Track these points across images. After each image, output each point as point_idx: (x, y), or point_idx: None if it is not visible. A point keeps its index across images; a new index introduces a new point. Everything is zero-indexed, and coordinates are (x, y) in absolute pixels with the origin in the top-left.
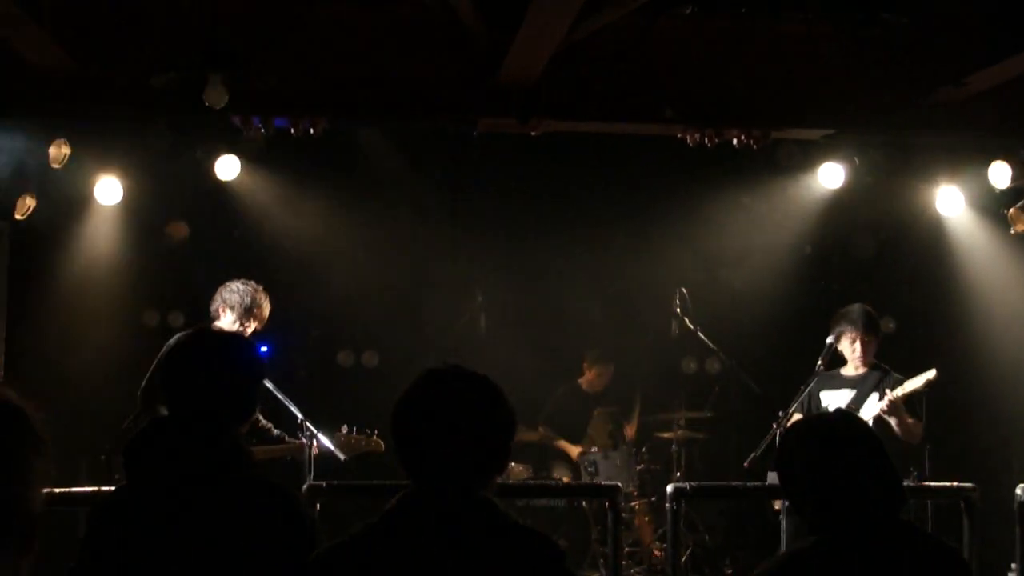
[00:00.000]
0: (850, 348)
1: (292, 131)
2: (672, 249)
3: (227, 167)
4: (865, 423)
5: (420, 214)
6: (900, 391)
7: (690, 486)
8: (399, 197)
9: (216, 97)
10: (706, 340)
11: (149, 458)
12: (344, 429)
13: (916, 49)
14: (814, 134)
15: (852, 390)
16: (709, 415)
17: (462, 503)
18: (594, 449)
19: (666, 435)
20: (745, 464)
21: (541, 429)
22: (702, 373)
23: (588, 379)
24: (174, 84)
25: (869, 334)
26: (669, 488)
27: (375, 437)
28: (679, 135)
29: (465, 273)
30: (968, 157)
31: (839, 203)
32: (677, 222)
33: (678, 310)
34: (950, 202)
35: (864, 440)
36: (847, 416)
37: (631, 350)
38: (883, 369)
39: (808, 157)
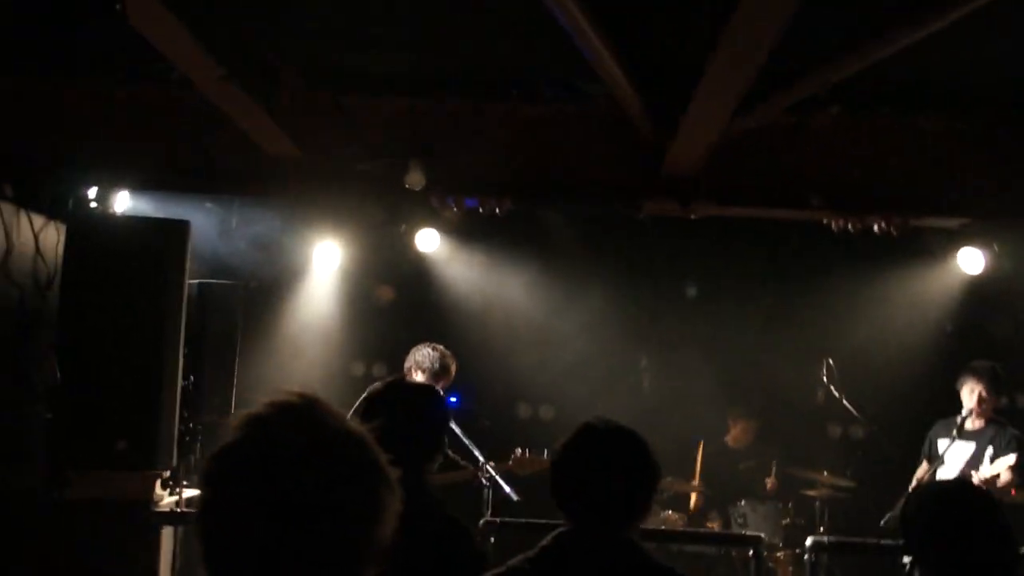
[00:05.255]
0: (970, 398)
1: (480, 210)
2: (821, 324)
3: (428, 240)
4: (982, 490)
5: (593, 286)
6: (989, 472)
7: (828, 540)
8: (574, 271)
9: (416, 180)
10: (851, 408)
11: None
12: (518, 452)
13: None
14: (951, 222)
15: (971, 442)
16: (851, 478)
17: (609, 543)
18: (743, 502)
19: (811, 492)
20: (881, 523)
21: (695, 482)
22: (846, 438)
23: (734, 435)
24: (379, 169)
25: (990, 388)
26: (808, 541)
27: (545, 457)
28: (825, 221)
29: (632, 340)
30: None
31: (979, 286)
32: (827, 299)
33: (824, 378)
34: None
35: (979, 505)
36: (964, 484)
37: (775, 413)
38: (1000, 423)
39: (950, 243)
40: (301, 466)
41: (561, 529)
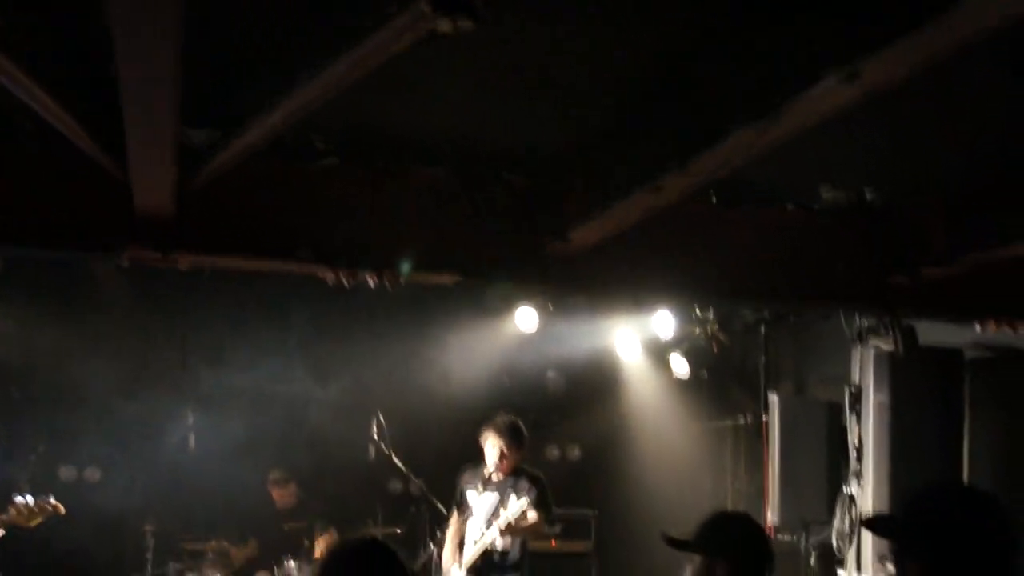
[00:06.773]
0: (492, 452)
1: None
2: (373, 379)
3: None
4: (390, 552)
5: (143, 340)
6: (509, 516)
7: None
8: (124, 323)
9: None
10: (398, 464)
11: None
12: (18, 499)
13: (533, 205)
14: (445, 279)
15: (494, 493)
16: (401, 531)
17: None
18: (290, 561)
19: None
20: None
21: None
22: (399, 493)
23: (278, 496)
24: None
25: (510, 443)
26: None
27: (54, 502)
28: (318, 274)
29: (178, 396)
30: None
31: (535, 342)
32: (381, 353)
33: (375, 435)
34: (625, 346)
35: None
36: (373, 544)
37: (325, 469)
38: (521, 470)
39: (510, 301)
40: None
41: None
